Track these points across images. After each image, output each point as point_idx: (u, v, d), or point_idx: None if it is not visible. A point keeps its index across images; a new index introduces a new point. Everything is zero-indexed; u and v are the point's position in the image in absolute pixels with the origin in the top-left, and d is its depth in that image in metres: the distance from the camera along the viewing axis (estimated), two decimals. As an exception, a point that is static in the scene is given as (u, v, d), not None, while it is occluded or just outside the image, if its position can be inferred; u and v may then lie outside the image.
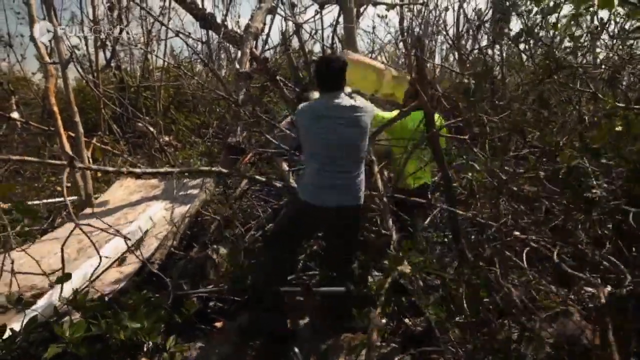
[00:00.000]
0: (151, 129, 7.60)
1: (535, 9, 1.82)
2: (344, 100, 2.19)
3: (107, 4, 8.96)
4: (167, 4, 8.86)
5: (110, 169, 3.80)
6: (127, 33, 8.88)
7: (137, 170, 2.31)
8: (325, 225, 2.39)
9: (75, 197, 4.07)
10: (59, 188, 4.98)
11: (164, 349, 2.03)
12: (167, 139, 9.66)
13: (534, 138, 2.32)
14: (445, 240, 3.14)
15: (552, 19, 1.94)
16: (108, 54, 8.84)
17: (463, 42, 3.62)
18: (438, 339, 1.97)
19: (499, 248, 2.45)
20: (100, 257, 2.18)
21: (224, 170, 2.67)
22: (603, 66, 2.45)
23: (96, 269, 2.40)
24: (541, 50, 2.05)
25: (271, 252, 2.44)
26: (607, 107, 1.83)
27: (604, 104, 1.90)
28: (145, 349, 2.04)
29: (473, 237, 2.91)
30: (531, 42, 1.83)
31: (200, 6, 3.83)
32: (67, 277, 1.91)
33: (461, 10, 3.38)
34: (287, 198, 2.31)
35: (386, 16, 5.38)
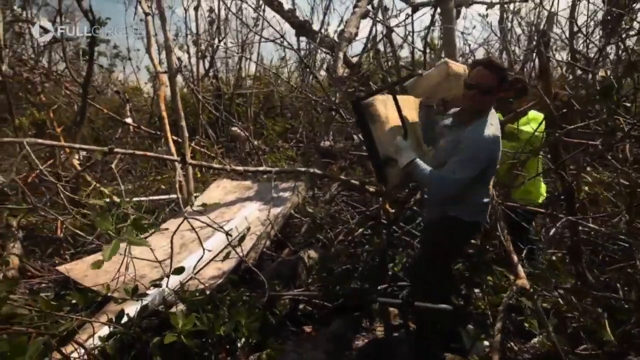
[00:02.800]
0: (246, 133, 8.03)
1: None
2: None
3: (208, 19, 9.74)
4: (261, 13, 9.36)
5: (217, 165, 4.06)
6: (225, 44, 9.56)
7: (240, 167, 2.42)
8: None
9: (177, 196, 4.41)
10: (163, 186, 5.46)
11: (258, 347, 2.07)
12: (256, 143, 10.13)
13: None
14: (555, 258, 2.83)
15: None
16: (207, 64, 9.60)
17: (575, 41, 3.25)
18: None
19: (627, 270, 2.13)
20: (204, 250, 2.30)
21: (319, 172, 2.68)
22: None
23: (198, 261, 2.54)
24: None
25: (436, 281, 2.18)
26: None
27: None
28: (239, 345, 2.09)
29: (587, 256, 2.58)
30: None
31: (297, 14, 3.93)
32: (180, 270, 2.04)
33: (577, 5, 3.04)
34: (441, 222, 2.07)
35: (487, 15, 5.08)
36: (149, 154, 3.18)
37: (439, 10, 4.21)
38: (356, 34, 3.98)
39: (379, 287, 2.62)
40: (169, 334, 1.65)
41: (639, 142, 2.13)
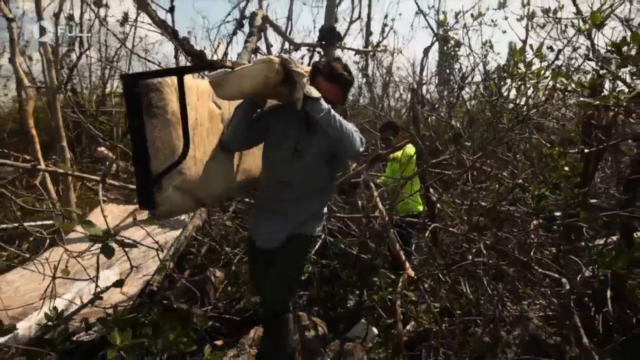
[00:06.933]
0: (111, 154, 7.48)
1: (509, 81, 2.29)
2: None
3: (67, 25, 8.86)
4: (127, 30, 8.99)
5: (77, 173, 3.82)
6: (87, 56, 8.80)
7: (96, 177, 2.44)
8: None
9: (51, 222, 4.02)
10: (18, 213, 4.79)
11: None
12: (122, 164, 9.53)
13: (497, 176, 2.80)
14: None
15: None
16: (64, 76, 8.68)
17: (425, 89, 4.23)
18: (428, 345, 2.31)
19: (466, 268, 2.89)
20: (132, 268, 2.26)
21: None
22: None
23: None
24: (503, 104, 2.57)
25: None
26: (554, 153, 2.38)
27: (552, 149, 2.45)
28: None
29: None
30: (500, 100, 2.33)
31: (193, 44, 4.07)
32: (120, 282, 2.02)
33: (425, 60, 4.01)
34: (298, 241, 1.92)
35: (360, 62, 5.98)
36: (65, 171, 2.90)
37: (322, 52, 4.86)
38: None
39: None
40: (111, 350, 1.68)
41: (479, 172, 2.94)
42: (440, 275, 2.35)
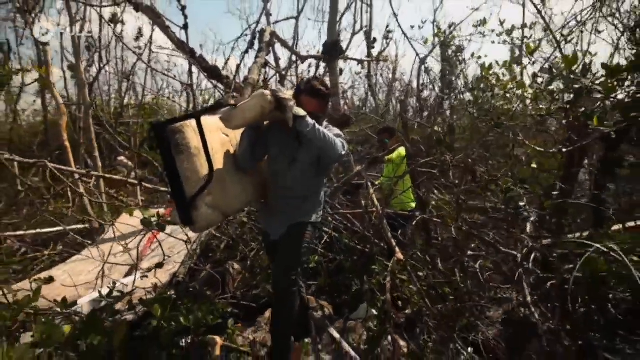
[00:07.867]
0: (130, 163, 7.97)
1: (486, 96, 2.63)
2: None
3: (86, 44, 9.41)
4: (141, 44, 9.48)
5: (117, 177, 4.26)
6: (106, 71, 9.33)
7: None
8: None
9: (84, 226, 4.46)
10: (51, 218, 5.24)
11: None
12: (140, 172, 9.99)
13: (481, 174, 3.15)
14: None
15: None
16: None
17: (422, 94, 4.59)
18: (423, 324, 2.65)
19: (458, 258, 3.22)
20: (164, 256, 2.67)
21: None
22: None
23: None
24: (480, 111, 2.90)
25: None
26: (528, 151, 2.72)
27: (527, 148, 2.79)
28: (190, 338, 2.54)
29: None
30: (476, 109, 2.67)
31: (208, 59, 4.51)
32: (160, 265, 2.39)
33: (422, 68, 4.37)
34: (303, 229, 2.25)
35: (360, 72, 6.35)
36: (61, 167, 3.31)
37: (323, 65, 5.26)
38: (259, 80, 4.73)
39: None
40: (154, 320, 2.07)
41: (459, 170, 3.28)
42: (420, 254, 2.68)
